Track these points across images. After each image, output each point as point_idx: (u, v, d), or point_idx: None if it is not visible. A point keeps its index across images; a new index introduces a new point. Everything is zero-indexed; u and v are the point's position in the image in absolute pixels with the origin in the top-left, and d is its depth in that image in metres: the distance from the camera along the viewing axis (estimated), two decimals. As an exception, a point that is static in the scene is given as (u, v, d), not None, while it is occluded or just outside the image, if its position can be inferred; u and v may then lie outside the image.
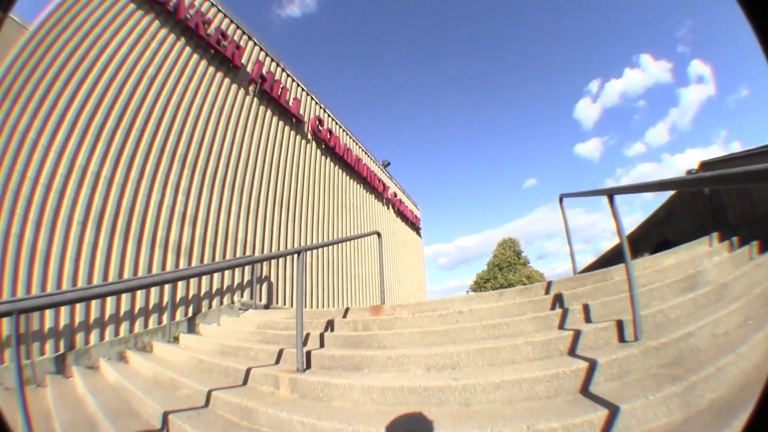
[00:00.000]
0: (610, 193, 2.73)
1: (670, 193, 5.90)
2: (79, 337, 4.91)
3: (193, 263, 6.40)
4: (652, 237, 6.59)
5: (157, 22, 6.79)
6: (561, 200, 4.47)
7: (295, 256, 3.70)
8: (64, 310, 4.73)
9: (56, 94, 5.27)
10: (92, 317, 5.03)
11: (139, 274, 5.59)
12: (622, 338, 2.39)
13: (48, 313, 4.64)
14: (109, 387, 3.88)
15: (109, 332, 5.11)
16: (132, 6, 6.43)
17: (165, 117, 6.55)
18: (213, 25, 7.90)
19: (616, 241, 3.12)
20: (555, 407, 1.85)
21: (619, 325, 2.43)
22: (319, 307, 8.77)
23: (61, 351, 4.73)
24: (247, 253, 7.39)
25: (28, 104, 4.99)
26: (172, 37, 7.00)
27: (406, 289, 14.59)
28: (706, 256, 3.70)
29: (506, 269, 27.14)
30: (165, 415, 2.59)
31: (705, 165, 4.98)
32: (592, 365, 2.03)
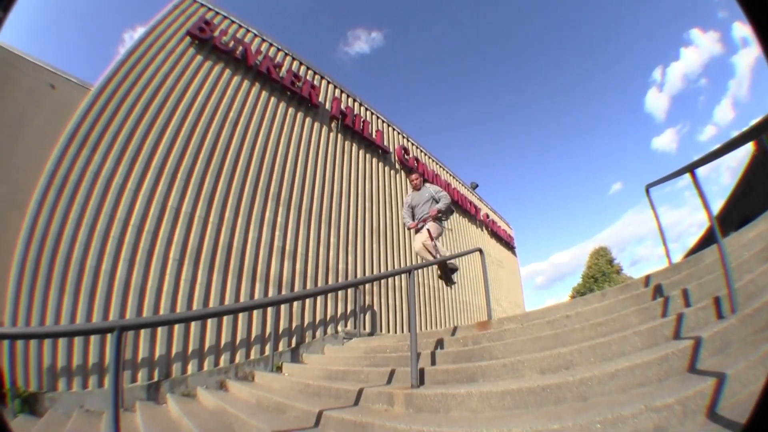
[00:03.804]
0: (691, 169, 2.87)
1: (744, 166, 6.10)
2: (176, 367, 5.20)
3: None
4: (734, 218, 6.86)
5: (228, 71, 7.39)
6: (647, 191, 4.42)
7: (407, 275, 3.87)
8: (160, 341, 5.08)
9: (138, 142, 5.84)
10: (191, 348, 5.34)
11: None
12: (720, 314, 2.45)
13: (143, 343, 5.01)
14: (206, 411, 4.06)
15: (208, 363, 5.39)
16: (199, 58, 7.06)
17: (254, 158, 7.05)
18: (284, 68, 8.52)
19: (702, 232, 3.18)
20: (667, 387, 1.94)
21: (716, 301, 2.51)
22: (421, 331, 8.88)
23: (155, 379, 4.99)
24: (348, 283, 7.85)
25: (109, 152, 5.56)
26: (246, 82, 7.61)
27: (505, 310, 14.52)
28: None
29: (601, 279, 26.24)
30: (272, 434, 2.64)
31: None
32: (697, 342, 2.13)
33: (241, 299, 5.96)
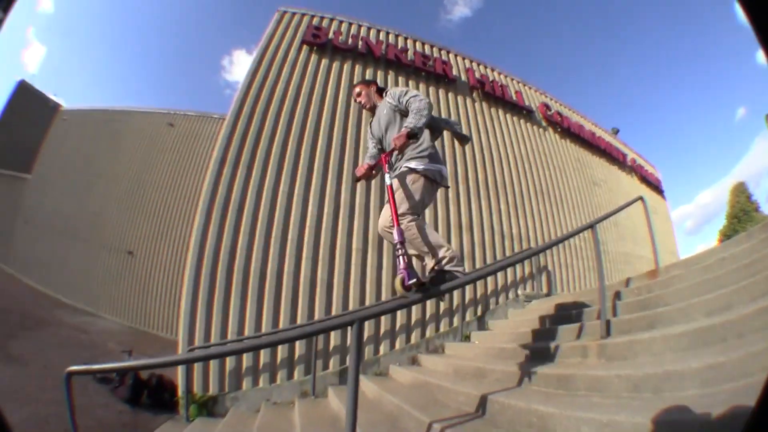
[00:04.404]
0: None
1: None
2: (368, 349, 5.83)
3: (477, 266, 7.19)
4: None
5: (358, 66, 8.10)
6: (769, 119, 4.26)
7: (589, 230, 4.14)
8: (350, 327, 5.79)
9: (293, 149, 6.80)
10: (383, 329, 5.94)
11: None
12: None
13: (335, 333, 5.67)
14: (404, 386, 4.37)
15: (399, 341, 5.96)
16: (325, 61, 7.84)
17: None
18: (410, 52, 8.95)
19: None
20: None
21: None
22: (590, 287, 8.97)
23: (347, 364, 5.46)
24: (524, 246, 8.07)
25: (267, 165, 6.55)
26: (380, 72, 8.27)
27: (662, 257, 13.57)
28: None
29: (743, 219, 23.92)
30: (481, 397, 2.87)
31: None
32: None
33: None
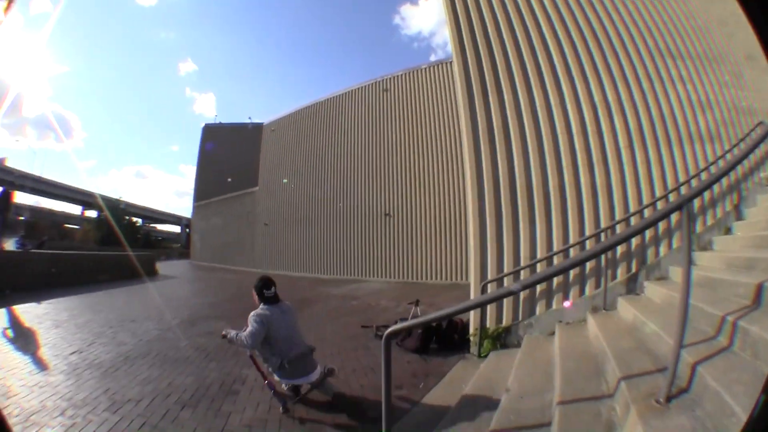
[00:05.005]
0: None
1: None
2: (649, 252, 5.56)
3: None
4: None
5: None
6: None
7: None
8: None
9: None
10: (661, 227, 5.57)
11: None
12: None
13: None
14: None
15: (675, 239, 5.51)
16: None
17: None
18: None
19: None
20: None
21: None
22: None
23: (631, 271, 5.45)
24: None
25: None
26: None
27: None
28: None
29: None
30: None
31: None
32: None
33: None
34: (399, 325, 2.90)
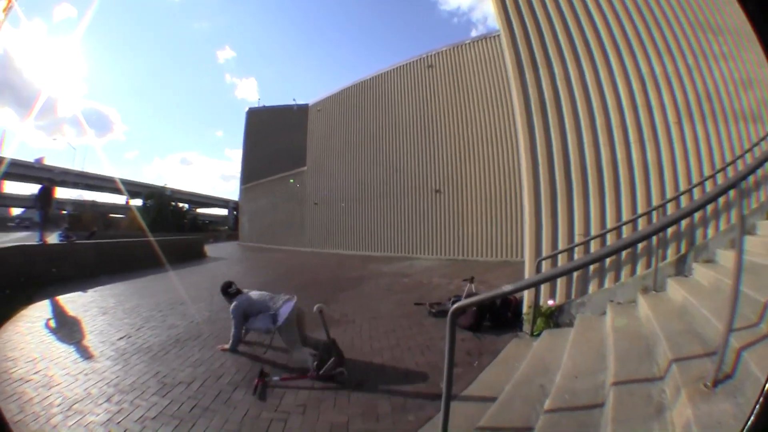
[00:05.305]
0: None
1: None
2: (698, 233, 5.53)
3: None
4: None
5: None
6: None
7: None
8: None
9: None
10: (709, 210, 5.47)
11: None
12: None
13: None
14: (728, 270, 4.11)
15: (722, 220, 5.48)
16: None
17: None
18: None
19: None
20: None
21: None
22: None
23: (680, 252, 5.43)
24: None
25: None
26: None
27: None
28: None
29: None
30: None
31: None
32: None
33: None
34: (464, 302, 3.02)
